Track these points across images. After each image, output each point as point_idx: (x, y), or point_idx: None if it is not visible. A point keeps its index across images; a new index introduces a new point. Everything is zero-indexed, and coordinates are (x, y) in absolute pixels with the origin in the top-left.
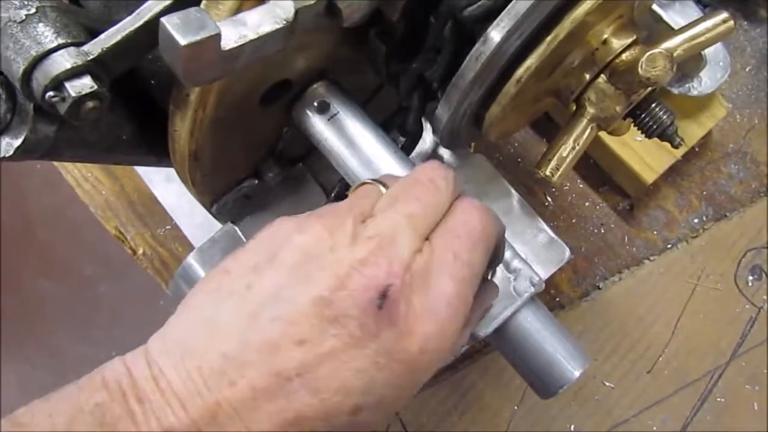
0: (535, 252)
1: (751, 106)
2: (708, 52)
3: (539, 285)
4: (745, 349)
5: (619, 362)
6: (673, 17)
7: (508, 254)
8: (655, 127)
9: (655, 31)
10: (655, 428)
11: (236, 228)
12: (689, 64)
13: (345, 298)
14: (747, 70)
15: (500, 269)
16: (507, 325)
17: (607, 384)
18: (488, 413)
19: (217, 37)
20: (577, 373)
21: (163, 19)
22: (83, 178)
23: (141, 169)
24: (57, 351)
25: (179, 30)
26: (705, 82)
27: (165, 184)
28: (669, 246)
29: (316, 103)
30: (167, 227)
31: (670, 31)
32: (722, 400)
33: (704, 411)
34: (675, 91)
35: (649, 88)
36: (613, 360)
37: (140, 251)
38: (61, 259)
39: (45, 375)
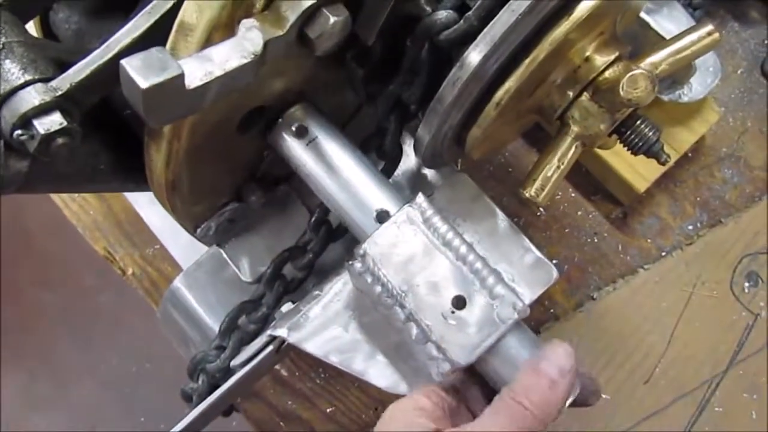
0: (521, 273)
1: (744, 109)
2: None
3: (523, 311)
4: (742, 357)
5: (615, 373)
6: (661, 23)
7: (491, 280)
8: (641, 144)
9: (643, 38)
10: None
11: (221, 251)
12: (679, 71)
13: None
14: (739, 72)
15: (483, 296)
16: (490, 353)
17: (604, 396)
18: None
19: (180, 77)
20: None
21: (123, 62)
22: (70, 199)
23: None
24: (57, 361)
25: (140, 72)
26: (695, 88)
27: (150, 206)
28: (663, 254)
29: (294, 128)
30: (156, 247)
31: (658, 39)
32: (720, 409)
33: (702, 421)
34: (665, 98)
35: (632, 108)
36: (609, 371)
37: (129, 271)
38: (60, 270)
39: (46, 385)
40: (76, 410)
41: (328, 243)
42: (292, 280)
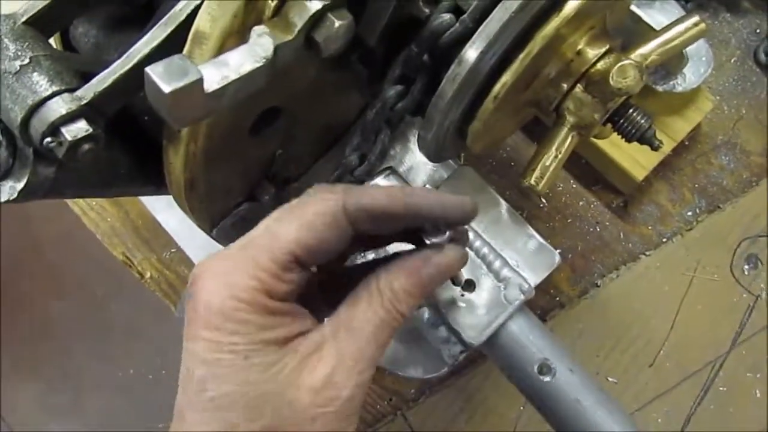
0: (525, 259)
1: (738, 97)
2: (690, 48)
3: (529, 292)
4: (744, 337)
5: (620, 358)
6: (654, 16)
7: (497, 264)
8: (633, 131)
9: (636, 31)
10: (659, 420)
11: None
12: (672, 61)
13: None
14: (732, 61)
15: (491, 279)
16: (497, 335)
17: (610, 379)
18: (495, 416)
19: (200, 81)
20: None
21: (147, 69)
22: (89, 207)
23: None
24: (73, 370)
25: (163, 78)
26: (689, 77)
27: (167, 209)
28: (664, 240)
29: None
30: (172, 250)
31: (651, 32)
32: (724, 389)
33: (707, 401)
34: (660, 88)
35: (623, 96)
36: (614, 356)
37: (147, 275)
38: (72, 280)
39: (62, 395)
40: (92, 419)
41: None
42: None
